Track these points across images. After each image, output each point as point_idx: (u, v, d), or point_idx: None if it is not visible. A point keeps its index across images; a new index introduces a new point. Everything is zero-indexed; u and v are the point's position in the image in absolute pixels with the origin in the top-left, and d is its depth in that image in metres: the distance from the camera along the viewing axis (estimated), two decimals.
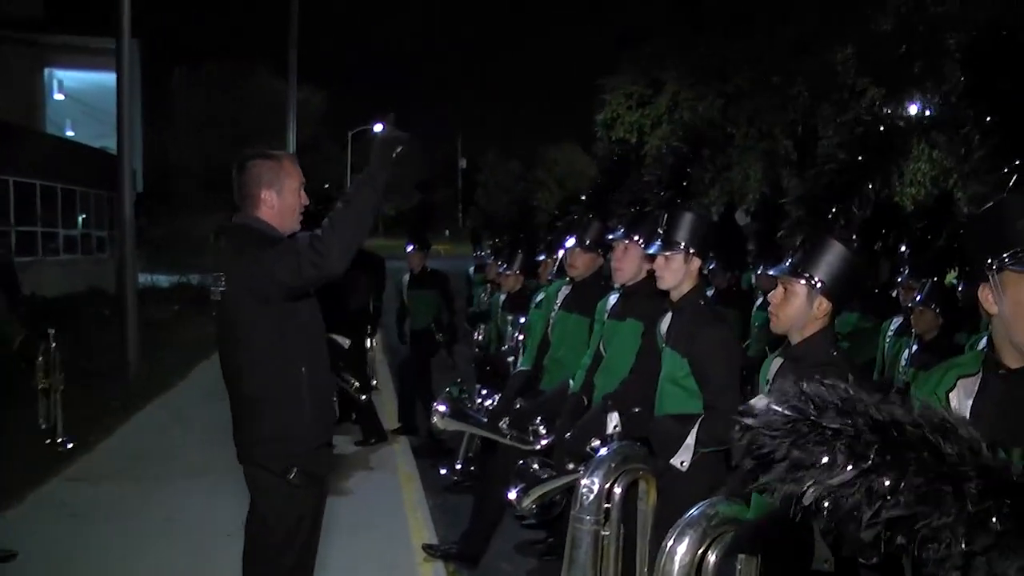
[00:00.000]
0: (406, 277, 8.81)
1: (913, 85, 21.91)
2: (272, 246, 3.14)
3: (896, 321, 5.81)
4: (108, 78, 12.05)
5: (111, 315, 13.81)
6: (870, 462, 1.05)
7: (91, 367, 10.83)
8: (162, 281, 23.61)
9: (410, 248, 8.65)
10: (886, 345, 5.85)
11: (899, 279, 5.79)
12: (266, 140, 35.68)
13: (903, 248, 5.82)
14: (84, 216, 23.30)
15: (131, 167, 12.07)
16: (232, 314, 3.22)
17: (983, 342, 4.69)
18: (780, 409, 1.09)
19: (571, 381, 4.63)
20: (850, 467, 1.05)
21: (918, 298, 5.16)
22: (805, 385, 1.11)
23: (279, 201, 3.27)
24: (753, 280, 9.12)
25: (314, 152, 40.98)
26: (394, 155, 3.07)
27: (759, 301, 7.48)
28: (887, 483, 1.05)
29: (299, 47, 22.53)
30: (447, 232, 59.39)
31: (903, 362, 5.34)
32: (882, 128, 2.60)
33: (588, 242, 4.83)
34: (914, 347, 5.23)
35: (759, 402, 1.11)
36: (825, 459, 1.05)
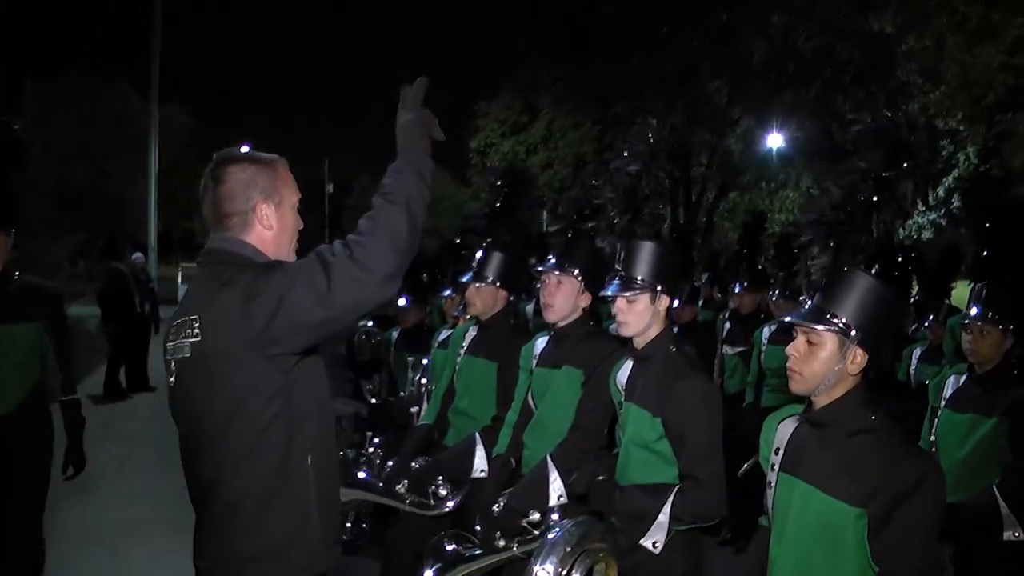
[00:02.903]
0: None
1: (783, 114, 22.59)
2: (276, 269, 2.13)
3: None
4: None
5: None
6: None
7: None
8: None
9: None
10: None
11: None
12: (127, 159, 33.72)
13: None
14: None
15: None
16: (212, 379, 2.14)
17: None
18: None
19: (477, 435, 3.99)
20: None
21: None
22: None
23: (278, 220, 2.31)
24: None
25: (178, 174, 38.53)
26: (430, 138, 2.19)
27: (724, 331, 6.92)
28: None
29: (163, 65, 21.35)
30: None
31: None
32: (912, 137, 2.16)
33: (489, 277, 4.17)
34: None
35: None
36: None
